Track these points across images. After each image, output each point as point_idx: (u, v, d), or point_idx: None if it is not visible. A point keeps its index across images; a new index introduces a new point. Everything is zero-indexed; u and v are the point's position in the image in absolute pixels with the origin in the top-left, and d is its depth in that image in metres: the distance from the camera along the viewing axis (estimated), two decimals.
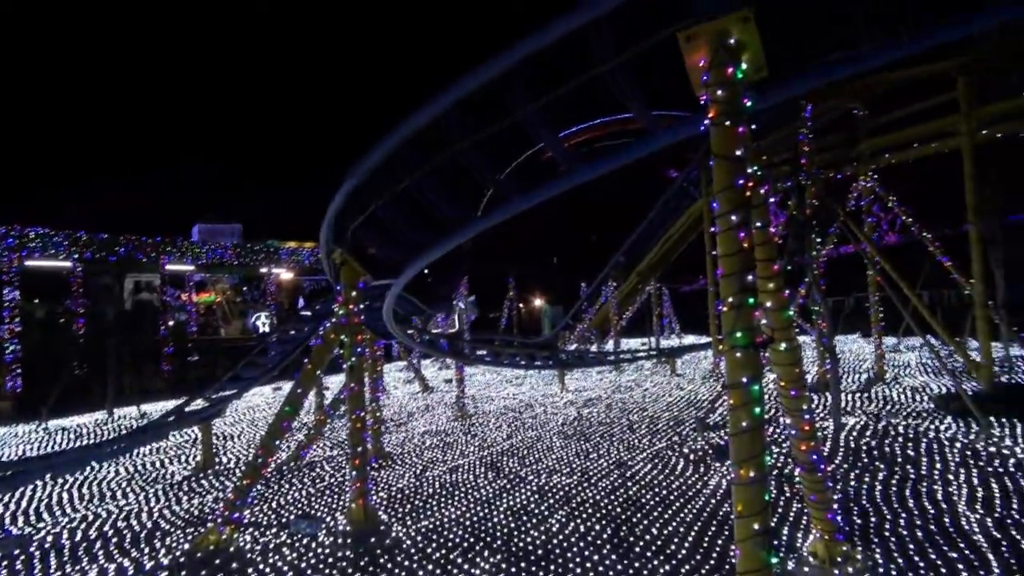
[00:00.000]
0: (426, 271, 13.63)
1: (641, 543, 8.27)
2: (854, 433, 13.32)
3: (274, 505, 11.17)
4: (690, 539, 8.29)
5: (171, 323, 35.11)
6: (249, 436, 18.48)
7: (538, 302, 58.38)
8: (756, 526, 5.23)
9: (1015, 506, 8.71)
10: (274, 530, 9.76)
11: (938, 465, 10.78)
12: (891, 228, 32.17)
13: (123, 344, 28.03)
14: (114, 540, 9.79)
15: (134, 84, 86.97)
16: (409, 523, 9.71)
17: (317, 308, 16.75)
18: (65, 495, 12.77)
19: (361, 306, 10.29)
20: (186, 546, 9.25)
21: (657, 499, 10.06)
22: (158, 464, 15.36)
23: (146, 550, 9.27)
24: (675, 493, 10.32)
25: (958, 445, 11.96)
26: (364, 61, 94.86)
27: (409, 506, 10.63)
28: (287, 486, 12.47)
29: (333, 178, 9.45)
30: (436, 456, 14.36)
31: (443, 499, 10.88)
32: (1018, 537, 7.68)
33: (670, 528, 8.72)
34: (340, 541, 9.09)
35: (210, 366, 33.85)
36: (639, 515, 9.35)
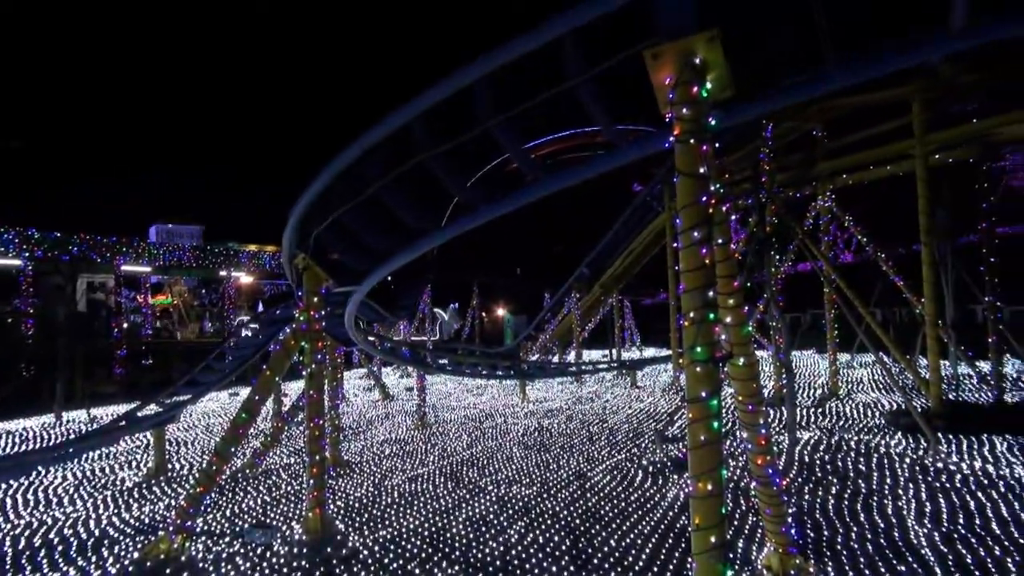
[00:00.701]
0: (389, 278, 13.56)
1: (599, 555, 8.30)
2: (808, 447, 13.56)
3: (228, 513, 10.95)
4: (648, 551, 8.34)
5: (125, 325, 34.28)
6: (204, 442, 18.12)
7: (501, 311, 58.42)
8: (713, 539, 5.28)
9: (961, 521, 8.94)
10: (227, 539, 9.57)
11: (888, 480, 11.03)
12: (847, 247, 32.99)
13: (74, 346, 27.29)
14: (59, 548, 9.50)
15: (91, 80, 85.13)
16: (367, 533, 9.60)
17: (277, 313, 16.55)
18: (8, 500, 12.36)
19: (323, 312, 10.19)
20: (135, 555, 9.02)
21: (616, 511, 10.10)
22: (108, 470, 14.96)
23: (93, 559, 9.01)
24: (633, 505, 10.38)
25: (908, 460, 12.25)
26: (332, 63, 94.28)
27: (367, 515, 10.51)
28: (242, 494, 12.24)
29: (298, 182, 9.38)
30: (395, 465, 14.24)
31: (402, 509, 10.78)
32: (964, 552, 7.88)
33: (628, 540, 8.76)
34: (296, 551, 8.95)
35: (164, 370, 33.14)
36: (598, 527, 9.38)
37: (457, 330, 46.36)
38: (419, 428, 19.10)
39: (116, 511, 11.49)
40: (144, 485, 13.42)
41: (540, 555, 8.37)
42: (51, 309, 30.01)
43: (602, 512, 10.08)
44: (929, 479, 11.00)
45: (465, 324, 46.50)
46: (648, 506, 10.28)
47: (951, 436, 13.87)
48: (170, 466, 14.95)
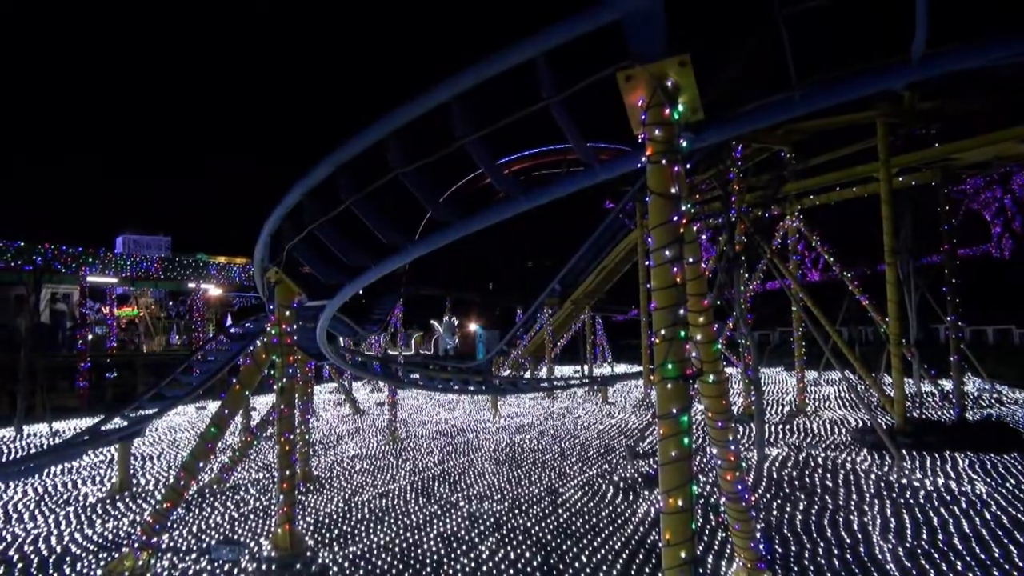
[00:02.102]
0: (361, 292, 13.54)
1: (571, 570, 8.31)
2: (776, 464, 13.73)
3: (195, 529, 10.78)
4: (619, 567, 8.37)
5: (89, 337, 33.63)
6: (170, 457, 17.82)
7: (473, 326, 58.36)
8: (683, 554, 5.34)
9: (925, 536, 9.11)
10: (194, 556, 9.42)
11: (855, 496, 11.20)
12: (814, 266, 33.55)
13: (36, 358, 26.67)
14: (19, 566, 9.26)
15: (57, 87, 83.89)
16: (336, 549, 9.52)
17: (247, 327, 16.39)
18: None
19: (294, 326, 10.13)
20: (98, 572, 8.84)
21: (587, 527, 10.13)
22: (70, 485, 14.64)
23: None
24: (605, 521, 10.42)
25: (873, 477, 12.45)
26: (307, 73, 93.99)
27: (337, 531, 10.42)
28: (209, 510, 12.06)
29: (270, 194, 9.37)
30: (366, 480, 14.14)
31: (372, 525, 10.71)
32: (927, 566, 8.03)
33: (599, 556, 8.79)
34: (264, 568, 8.83)
35: (130, 383, 32.54)
36: (569, 542, 9.39)
37: (453, 349, 45.33)
38: (390, 443, 18.98)
39: (79, 527, 11.25)
40: (108, 501, 13.15)
41: (512, 571, 8.36)
42: (12, 321, 29.34)
43: (573, 528, 10.10)
44: (894, 495, 11.19)
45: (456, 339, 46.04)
46: (619, 522, 10.33)
47: (915, 453, 14.14)
48: (135, 481, 14.67)
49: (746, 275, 17.86)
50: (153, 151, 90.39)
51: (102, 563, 9.22)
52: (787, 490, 11.73)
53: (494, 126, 7.14)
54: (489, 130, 7.19)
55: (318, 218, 9.01)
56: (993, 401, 21.38)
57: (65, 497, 13.55)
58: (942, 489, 11.48)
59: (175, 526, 10.87)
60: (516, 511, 11.18)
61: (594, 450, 16.55)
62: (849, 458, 14.05)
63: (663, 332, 5.51)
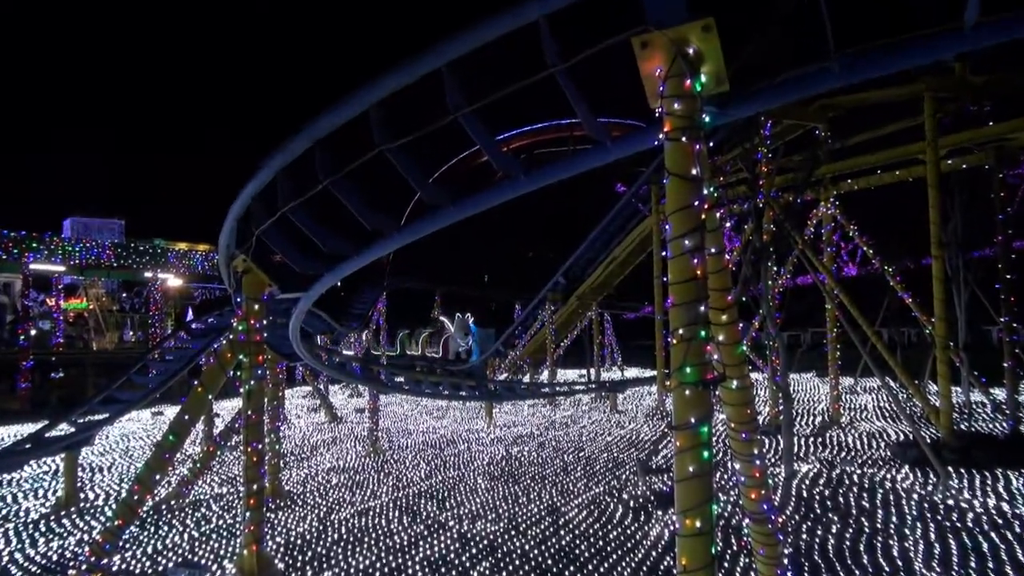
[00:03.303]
0: (339, 284, 13.53)
1: None
2: (807, 481, 13.76)
3: (150, 550, 10.79)
4: None
5: (32, 332, 33.58)
6: (122, 468, 17.84)
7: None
8: None
9: (973, 565, 9.14)
10: None
11: (894, 518, 11.24)
12: (851, 259, 33.52)
13: None
14: None
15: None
16: (310, 573, 9.54)
17: (210, 322, 16.38)
18: None
19: (264, 322, 10.13)
20: None
21: (593, 550, 10.16)
22: (10, 499, 14.65)
23: None
24: (613, 544, 10.45)
25: (915, 497, 12.49)
26: (284, 33, 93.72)
27: (310, 554, 10.44)
28: (166, 528, 12.07)
29: (238, 172, 9.33)
30: (343, 497, 14.16)
31: (350, 547, 10.73)
32: None
33: None
34: None
35: (78, 385, 32.53)
36: (572, 568, 9.42)
37: (465, 351, 44.20)
38: (371, 455, 19.01)
39: (19, 547, 11.26)
40: (52, 517, 13.16)
41: None
42: None
43: (577, 552, 10.12)
44: (938, 518, 11.22)
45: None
46: (629, 545, 10.36)
47: (963, 470, 14.17)
48: (83, 495, 14.68)
49: (775, 268, 17.88)
50: (107, 123, 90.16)
51: None
52: (818, 511, 11.76)
53: (492, 97, 7.12)
54: (486, 102, 7.17)
55: (293, 199, 8.99)
56: None
57: (4, 513, 13.56)
58: (993, 511, 11.51)
59: (128, 546, 10.88)
60: (513, 532, 11.20)
61: (601, 464, 16.58)
62: (888, 476, 14.09)
63: (681, 332, 5.50)
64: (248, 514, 9.53)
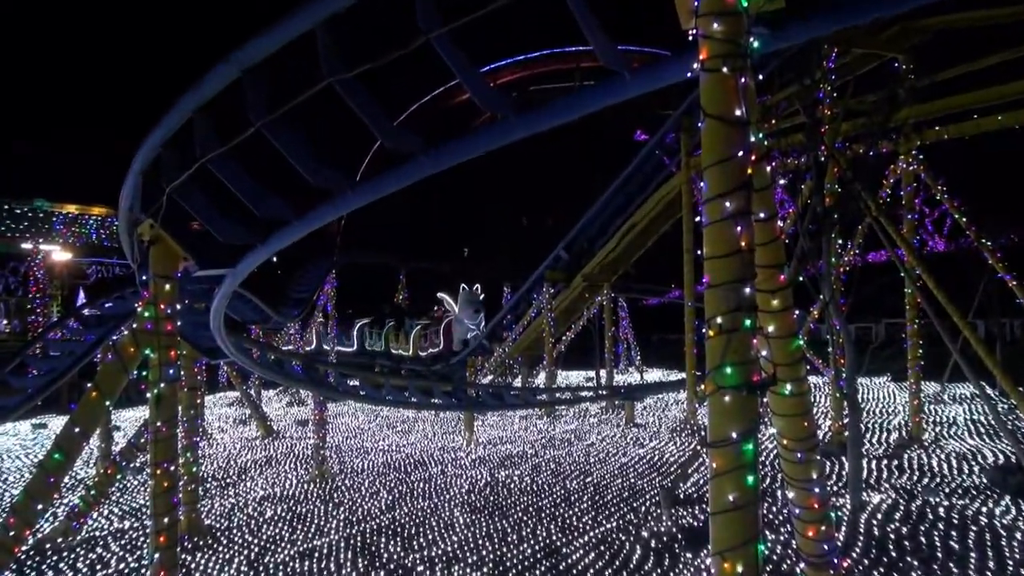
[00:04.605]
0: (275, 259, 13.49)
1: None
2: (879, 515, 13.83)
3: None
4: None
5: None
6: None
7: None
8: None
9: None
10: None
11: (991, 562, 11.31)
12: (938, 231, 33.61)
13: None
14: None
15: None
16: None
17: (108, 307, 16.35)
18: None
19: (178, 307, 10.08)
20: None
21: None
22: None
23: None
24: None
25: (1019, 535, 12.57)
26: None
27: None
28: (52, 573, 12.07)
29: (144, 114, 9.27)
30: (280, 534, 14.18)
31: None
32: None
33: None
34: None
35: None
36: None
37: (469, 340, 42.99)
38: (316, 480, 19.01)
39: None
40: None
41: None
42: None
43: None
44: None
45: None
46: None
47: None
48: None
49: (839, 240, 17.89)
50: None
51: None
52: (894, 553, 11.83)
53: (474, 15, 7.07)
54: (466, 19, 7.12)
55: (216, 147, 8.94)
56: None
57: None
58: None
59: None
60: None
61: (614, 493, 16.64)
62: (984, 508, 14.18)
63: (720, 321, 5.50)
64: (157, 555, 9.53)
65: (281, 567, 12.15)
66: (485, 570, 11.72)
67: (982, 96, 19.52)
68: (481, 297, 40.87)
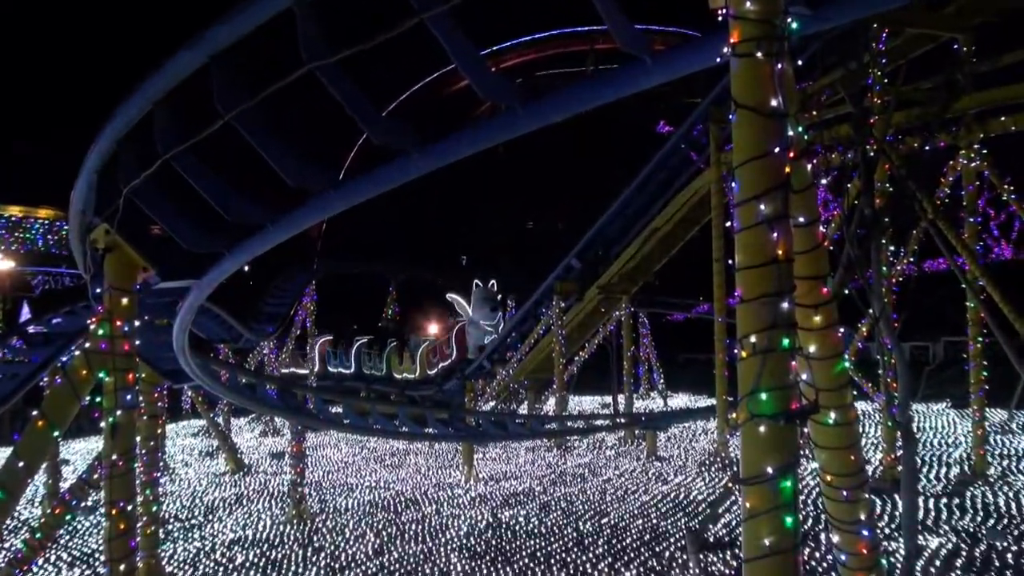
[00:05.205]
0: (247, 269, 13.53)
1: None
2: (938, 561, 13.82)
3: None
4: None
5: None
6: None
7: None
8: None
9: None
10: None
11: None
12: (1004, 236, 33.60)
13: None
14: None
15: None
16: None
17: (56, 323, 16.39)
18: None
19: (136, 323, 10.12)
20: None
21: None
22: None
23: None
24: None
25: None
26: None
27: None
28: None
29: (97, 106, 9.31)
30: None
31: None
32: None
33: None
34: None
35: None
36: None
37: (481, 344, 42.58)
38: (293, 521, 19.03)
39: None
40: None
41: None
42: None
43: None
44: None
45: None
46: None
47: None
48: None
49: (891, 248, 17.91)
50: None
51: None
52: None
53: None
54: None
55: (179, 143, 8.98)
56: None
57: None
58: None
59: None
60: None
61: (634, 536, 16.63)
62: None
63: (754, 340, 5.51)
64: None
65: None
66: None
67: None
68: (498, 295, 40.79)
